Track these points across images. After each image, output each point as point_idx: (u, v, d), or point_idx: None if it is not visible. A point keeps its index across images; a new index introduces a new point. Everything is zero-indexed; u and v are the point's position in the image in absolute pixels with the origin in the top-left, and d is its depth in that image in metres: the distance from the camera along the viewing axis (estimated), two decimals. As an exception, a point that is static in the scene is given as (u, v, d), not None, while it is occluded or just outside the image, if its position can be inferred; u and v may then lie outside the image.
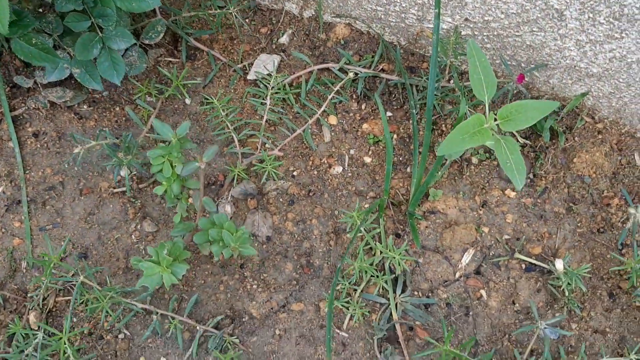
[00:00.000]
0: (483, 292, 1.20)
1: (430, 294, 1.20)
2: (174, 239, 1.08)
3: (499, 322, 1.18)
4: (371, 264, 1.17)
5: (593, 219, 1.24)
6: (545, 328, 1.14)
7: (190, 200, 1.17)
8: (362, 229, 1.17)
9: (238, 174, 1.25)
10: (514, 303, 1.19)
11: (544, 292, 1.19)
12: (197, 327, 1.16)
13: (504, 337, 1.17)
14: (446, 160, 1.26)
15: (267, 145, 1.28)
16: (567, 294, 1.14)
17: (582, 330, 1.16)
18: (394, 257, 1.13)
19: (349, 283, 1.18)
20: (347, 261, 1.18)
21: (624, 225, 1.22)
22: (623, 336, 1.16)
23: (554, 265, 1.12)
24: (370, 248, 1.20)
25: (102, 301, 1.11)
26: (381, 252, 1.15)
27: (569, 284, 1.12)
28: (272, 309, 1.19)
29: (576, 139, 1.26)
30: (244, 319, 1.18)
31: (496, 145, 1.03)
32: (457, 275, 1.21)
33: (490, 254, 1.22)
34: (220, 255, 1.07)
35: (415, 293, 1.20)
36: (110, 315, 1.15)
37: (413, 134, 1.27)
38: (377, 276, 1.18)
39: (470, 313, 1.18)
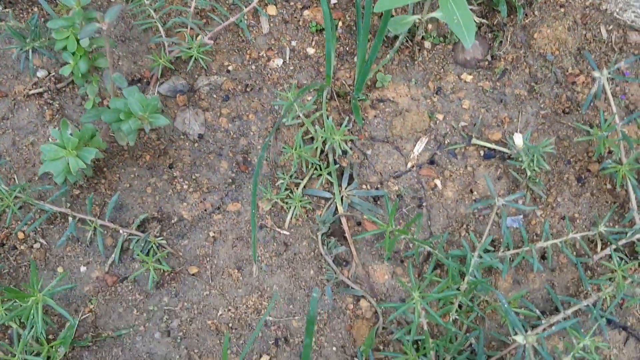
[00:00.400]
0: (438, 181, 1.08)
1: (379, 187, 1.08)
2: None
3: (456, 212, 1.07)
4: (312, 150, 1.05)
5: (557, 99, 1.12)
6: (507, 214, 1.03)
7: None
8: (300, 114, 1.05)
9: (165, 67, 1.12)
10: (472, 192, 1.08)
11: (505, 180, 1.08)
12: (120, 231, 1.04)
13: (461, 227, 1.05)
14: (394, 37, 1.14)
15: (197, 36, 1.16)
16: (529, 174, 1.02)
17: (547, 216, 1.05)
18: (334, 139, 1.01)
19: (290, 177, 1.06)
20: (286, 150, 1.06)
21: (591, 104, 1.11)
22: (594, 222, 1.05)
23: (512, 141, 1.00)
24: (312, 138, 1.08)
25: (8, 199, 0.98)
26: (322, 137, 1.03)
27: (531, 162, 1.01)
28: (205, 210, 1.07)
29: (536, 13, 1.14)
30: (172, 221, 1.06)
31: (441, 2, 0.93)
32: (409, 165, 1.09)
33: (446, 142, 1.11)
34: (136, 140, 0.95)
35: (364, 187, 1.08)
36: (20, 219, 1.02)
37: (357, 15, 1.15)
38: (320, 167, 1.06)
39: (424, 204, 1.07)
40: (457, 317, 0.88)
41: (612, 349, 0.96)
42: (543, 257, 1.03)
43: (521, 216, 1.05)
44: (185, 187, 1.09)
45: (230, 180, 1.09)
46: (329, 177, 1.06)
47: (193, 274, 1.03)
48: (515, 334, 0.76)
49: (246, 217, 1.07)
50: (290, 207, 1.06)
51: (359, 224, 1.06)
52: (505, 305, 0.75)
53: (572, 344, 0.82)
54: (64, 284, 1.02)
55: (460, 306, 0.92)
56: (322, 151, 1.09)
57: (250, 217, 1.06)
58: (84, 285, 1.03)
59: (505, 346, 0.96)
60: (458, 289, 0.86)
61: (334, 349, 0.99)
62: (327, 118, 1.04)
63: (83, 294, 1.02)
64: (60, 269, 1.04)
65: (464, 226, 1.05)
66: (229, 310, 1.01)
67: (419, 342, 0.92)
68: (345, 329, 1.00)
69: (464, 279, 0.91)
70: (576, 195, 1.07)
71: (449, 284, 0.84)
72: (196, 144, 1.11)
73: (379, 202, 1.07)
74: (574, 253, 1.01)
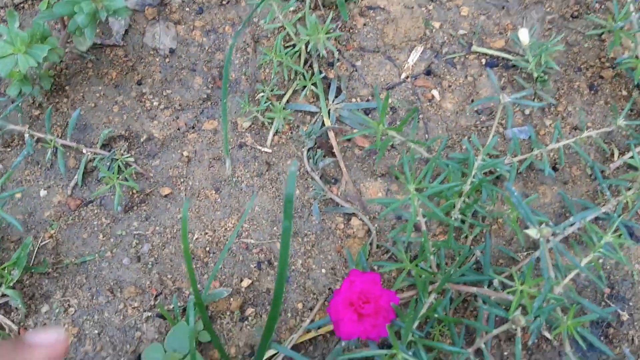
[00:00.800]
0: (435, 92, 0.98)
1: (370, 99, 0.98)
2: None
3: (456, 125, 0.96)
4: (294, 57, 0.95)
5: (565, 3, 1.02)
6: (512, 125, 0.93)
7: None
8: (280, 15, 0.94)
9: (132, -24, 1.02)
10: (473, 102, 0.98)
11: (510, 89, 0.98)
12: (84, 151, 0.93)
13: (461, 139, 0.95)
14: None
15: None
16: (536, 75, 0.92)
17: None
18: (318, 37, 0.91)
19: (270, 90, 0.96)
20: (265, 57, 0.96)
21: (601, 6, 1.01)
22: (609, 132, 0.95)
23: (517, 37, 0.90)
24: (294, 45, 0.98)
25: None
26: (305, 38, 0.92)
27: (538, 63, 0.90)
28: (178, 129, 0.97)
29: None
30: (142, 140, 0.96)
31: None
32: (404, 76, 0.99)
33: (443, 51, 1.00)
34: (101, 57, 0.85)
35: (353, 100, 0.98)
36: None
37: None
38: (304, 77, 0.96)
39: (421, 117, 0.97)
40: (460, 215, 0.78)
41: (633, 263, 0.86)
42: (554, 168, 0.92)
43: (528, 126, 0.94)
44: (155, 104, 0.98)
45: (205, 97, 0.99)
46: (314, 89, 0.96)
47: (165, 196, 0.93)
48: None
49: (229, 138, 0.97)
50: (272, 124, 0.96)
51: (348, 140, 0.96)
52: (515, 194, 0.64)
53: (592, 242, 0.72)
54: (22, 204, 0.91)
55: (462, 214, 0.81)
56: (305, 61, 0.98)
57: (230, 137, 0.96)
58: (44, 210, 0.93)
59: (515, 263, 0.86)
60: (459, 189, 0.76)
61: (323, 271, 0.88)
62: (310, 15, 0.93)
63: (43, 219, 0.92)
64: (18, 195, 0.93)
65: (465, 138, 0.95)
66: (206, 233, 0.91)
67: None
68: (335, 250, 0.90)
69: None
70: (589, 103, 0.97)
71: (449, 179, 0.74)
72: (167, 60, 1.01)
73: (370, 115, 0.97)
74: (589, 154, 0.90)
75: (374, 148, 0.91)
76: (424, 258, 0.71)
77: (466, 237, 0.84)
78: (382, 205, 0.91)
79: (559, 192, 0.90)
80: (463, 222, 0.80)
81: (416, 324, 0.73)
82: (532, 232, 0.67)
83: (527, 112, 0.96)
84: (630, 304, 0.85)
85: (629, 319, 0.84)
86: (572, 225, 0.82)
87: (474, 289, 0.75)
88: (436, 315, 0.69)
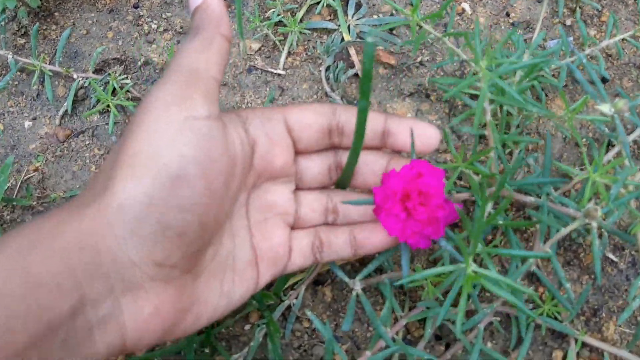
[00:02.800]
0: (466, 5, 0.88)
1: (395, 13, 0.88)
2: None
3: (490, 39, 0.86)
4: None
5: None
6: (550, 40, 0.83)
7: None
8: None
9: None
10: (508, 15, 0.88)
11: (548, 2, 0.88)
12: (74, 75, 0.83)
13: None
14: None
15: None
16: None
17: (603, 37, 0.85)
18: (336, -63, 0.81)
19: (282, 4, 0.86)
20: (274, -32, 0.86)
21: None
22: (660, 43, 0.85)
23: None
24: (308, -43, 0.88)
25: None
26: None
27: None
28: (180, 54, 0.87)
29: None
30: (138, 64, 0.85)
31: None
32: (429, -9, 0.89)
33: (471, -35, 0.91)
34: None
35: (375, 17, 0.88)
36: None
37: None
38: (319, -9, 0.86)
39: (451, 31, 0.87)
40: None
41: None
42: (603, 80, 0.82)
43: (571, 38, 0.84)
44: (154, 27, 0.88)
45: (210, 19, 0.89)
46: (331, 2, 0.86)
47: (166, 123, 0.82)
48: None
49: (230, 60, 0.86)
50: (284, 43, 0.86)
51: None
52: (584, 61, 0.54)
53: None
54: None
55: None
56: (321, -26, 0.89)
57: (237, 62, 0.86)
58: (28, 142, 0.82)
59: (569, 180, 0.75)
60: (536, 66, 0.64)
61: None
62: None
63: (27, 152, 0.81)
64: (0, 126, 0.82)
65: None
66: (213, 162, 0.80)
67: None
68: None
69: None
70: (634, 13, 0.87)
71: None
72: (167, -18, 0.91)
73: (394, 32, 0.87)
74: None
75: (403, 63, 0.80)
76: (485, 154, 0.59)
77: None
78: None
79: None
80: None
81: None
82: (605, 108, 0.56)
83: (568, 23, 0.86)
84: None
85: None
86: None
87: (532, 199, 0.64)
88: (501, 222, 0.58)
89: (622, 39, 0.82)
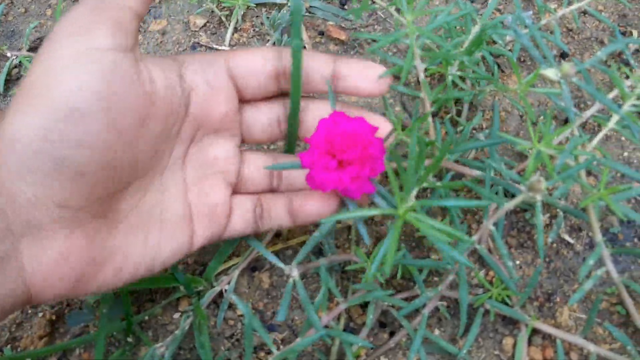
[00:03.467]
0: (421, -21, 0.84)
1: (346, -11, 0.84)
2: None
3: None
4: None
5: None
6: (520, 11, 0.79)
7: None
8: None
9: None
10: (465, -11, 0.84)
11: (507, -25, 0.84)
12: (8, 54, 0.79)
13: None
14: None
15: None
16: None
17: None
18: None
19: (228, -19, 0.82)
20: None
21: None
22: (623, 15, 0.81)
23: None
24: None
25: None
26: None
27: None
28: (121, 31, 0.82)
29: None
30: (77, 41, 0.81)
31: None
32: (384, -35, 0.85)
33: (428, -62, 0.87)
34: None
35: (326, -8, 0.84)
36: None
37: None
38: (266, -36, 0.82)
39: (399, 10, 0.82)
40: (457, 71, 0.63)
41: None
42: (562, 55, 0.78)
43: (530, 12, 0.81)
44: (94, 3, 0.84)
45: (153, -5, 0.85)
46: (279, -23, 0.82)
47: (103, 102, 0.78)
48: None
49: (173, 37, 0.82)
50: (230, 18, 0.81)
51: (321, 33, 0.81)
52: (534, 32, 0.50)
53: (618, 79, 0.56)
54: None
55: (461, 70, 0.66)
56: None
57: (181, 38, 0.81)
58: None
59: (523, 159, 0.71)
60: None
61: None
62: None
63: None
64: None
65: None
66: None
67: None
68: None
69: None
70: (599, -13, 0.83)
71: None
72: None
73: (346, 6, 0.83)
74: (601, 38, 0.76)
75: (353, 37, 0.76)
76: (422, 120, 0.55)
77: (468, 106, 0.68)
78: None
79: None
80: (463, 79, 0.66)
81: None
82: (550, 73, 0.52)
83: (528, -4, 0.82)
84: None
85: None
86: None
87: (477, 172, 0.60)
88: (439, 184, 0.53)
89: (584, 12, 0.78)
